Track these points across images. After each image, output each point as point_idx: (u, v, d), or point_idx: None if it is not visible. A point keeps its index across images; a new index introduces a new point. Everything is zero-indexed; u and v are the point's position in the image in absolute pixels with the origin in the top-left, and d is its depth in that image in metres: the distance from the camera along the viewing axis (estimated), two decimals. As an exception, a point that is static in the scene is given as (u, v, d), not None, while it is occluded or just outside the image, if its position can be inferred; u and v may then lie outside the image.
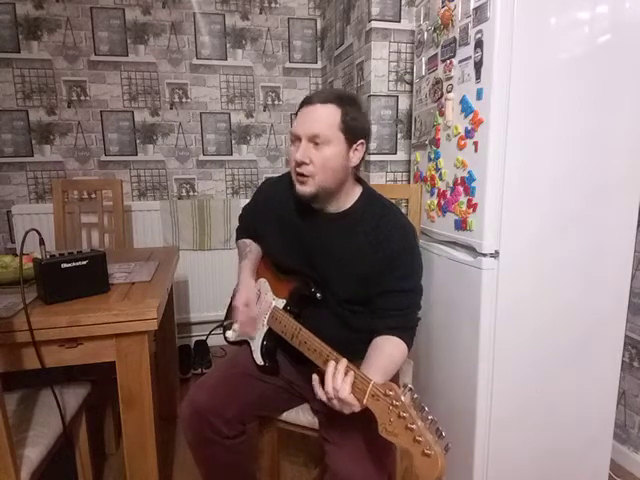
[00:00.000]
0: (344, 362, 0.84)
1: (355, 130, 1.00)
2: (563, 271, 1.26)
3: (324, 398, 0.84)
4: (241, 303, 1.12)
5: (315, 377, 0.86)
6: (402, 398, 0.72)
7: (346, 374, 0.82)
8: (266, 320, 1.13)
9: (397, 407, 0.71)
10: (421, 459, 0.68)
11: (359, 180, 1.11)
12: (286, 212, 1.13)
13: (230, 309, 1.32)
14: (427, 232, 1.52)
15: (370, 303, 1.05)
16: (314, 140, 0.97)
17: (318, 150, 0.97)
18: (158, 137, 2.42)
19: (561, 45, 1.16)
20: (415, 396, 0.72)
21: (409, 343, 1.02)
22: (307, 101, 1.01)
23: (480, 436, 1.29)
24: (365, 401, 0.77)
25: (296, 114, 1.04)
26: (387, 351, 0.97)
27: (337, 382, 0.81)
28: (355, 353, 1.02)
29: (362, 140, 1.02)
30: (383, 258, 1.01)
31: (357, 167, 1.06)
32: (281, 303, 1.11)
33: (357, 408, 0.80)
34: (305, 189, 1.00)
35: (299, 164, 0.98)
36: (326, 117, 0.97)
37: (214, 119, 2.47)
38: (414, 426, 0.69)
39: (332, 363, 0.84)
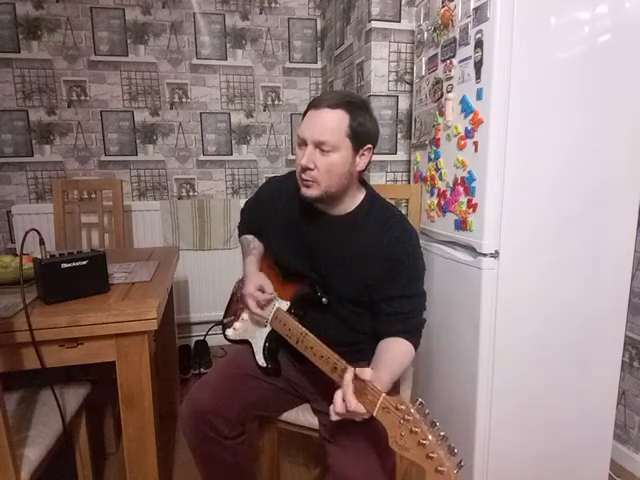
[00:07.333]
0: (351, 373, 0.82)
1: (362, 136, 0.98)
2: (563, 271, 1.26)
3: (336, 418, 0.82)
4: (253, 288, 1.10)
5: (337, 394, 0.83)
6: (413, 412, 0.71)
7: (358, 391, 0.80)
8: (269, 321, 1.13)
9: (409, 422, 0.71)
10: (434, 475, 0.68)
11: (363, 183, 1.11)
12: (289, 213, 1.12)
13: (230, 306, 1.31)
14: (427, 232, 1.52)
15: (374, 307, 1.05)
16: (320, 146, 0.95)
17: (324, 156, 0.96)
18: (158, 137, 2.42)
19: (561, 45, 1.16)
20: (427, 411, 0.72)
21: (416, 344, 1.02)
22: (315, 104, 0.98)
23: (480, 436, 1.29)
24: (375, 413, 0.77)
25: (303, 115, 1.01)
26: (394, 352, 0.97)
27: (351, 405, 0.79)
28: (358, 354, 1.02)
29: (369, 145, 1.01)
30: (386, 262, 1.01)
31: (363, 171, 1.05)
32: (285, 305, 1.10)
33: (367, 415, 0.80)
34: (310, 192, 1.00)
35: (304, 169, 0.97)
36: (333, 123, 0.95)
37: (214, 119, 2.47)
38: (426, 442, 0.69)
39: (339, 393, 0.81)
